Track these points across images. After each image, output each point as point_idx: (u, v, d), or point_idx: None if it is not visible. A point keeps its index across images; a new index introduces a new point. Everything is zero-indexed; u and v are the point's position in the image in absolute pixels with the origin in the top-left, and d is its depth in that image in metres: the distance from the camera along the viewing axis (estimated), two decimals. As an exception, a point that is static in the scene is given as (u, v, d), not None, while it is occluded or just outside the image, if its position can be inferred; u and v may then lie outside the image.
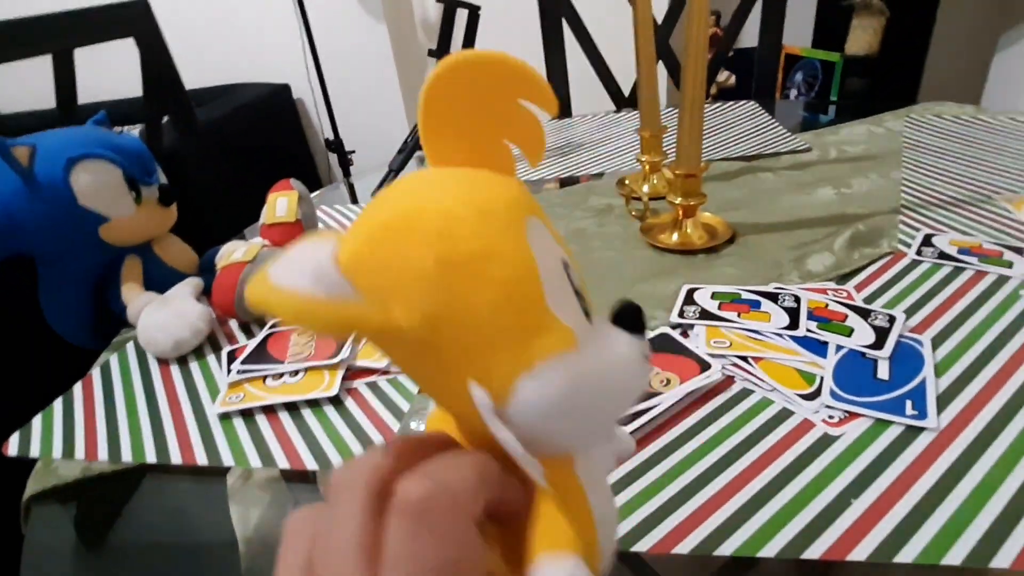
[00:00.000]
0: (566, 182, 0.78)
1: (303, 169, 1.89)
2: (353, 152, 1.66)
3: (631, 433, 0.37)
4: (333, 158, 1.75)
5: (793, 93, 1.56)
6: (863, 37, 1.38)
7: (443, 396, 0.18)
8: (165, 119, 0.85)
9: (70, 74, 0.70)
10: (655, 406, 0.38)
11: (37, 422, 0.45)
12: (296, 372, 0.45)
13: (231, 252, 0.55)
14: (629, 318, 0.19)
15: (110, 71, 1.17)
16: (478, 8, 0.78)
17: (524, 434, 0.16)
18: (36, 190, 0.51)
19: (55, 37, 0.67)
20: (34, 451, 0.42)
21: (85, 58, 0.79)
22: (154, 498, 0.40)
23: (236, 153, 1.53)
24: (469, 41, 0.79)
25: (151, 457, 0.40)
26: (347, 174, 1.69)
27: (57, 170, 0.51)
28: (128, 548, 0.37)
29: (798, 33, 1.52)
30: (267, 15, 1.72)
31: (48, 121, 0.73)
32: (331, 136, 1.65)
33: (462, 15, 0.78)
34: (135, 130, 0.98)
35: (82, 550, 0.37)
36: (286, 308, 0.15)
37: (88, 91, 0.84)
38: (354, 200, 0.83)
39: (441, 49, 0.78)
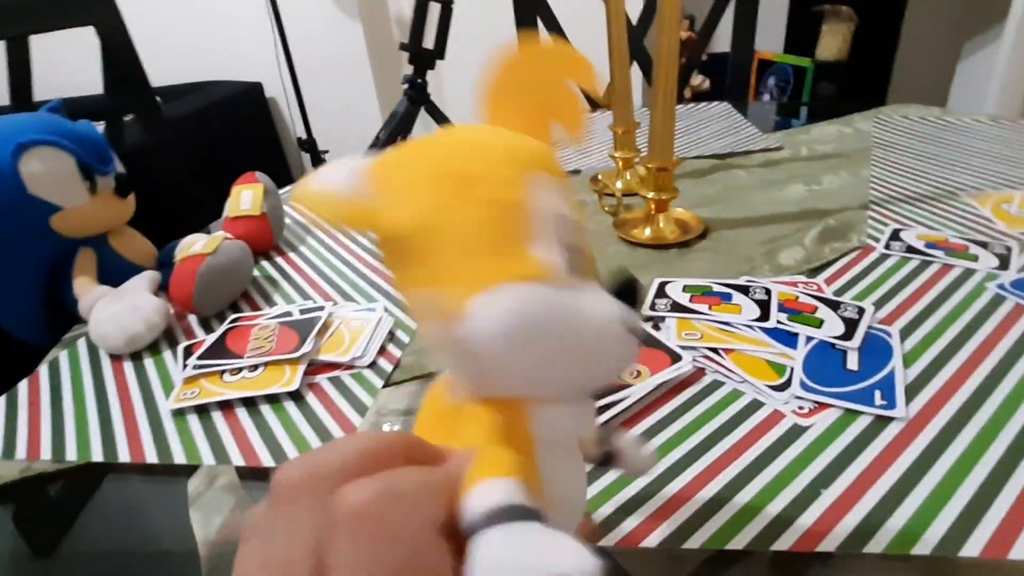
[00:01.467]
0: None
1: (276, 168, 1.86)
2: (327, 152, 1.64)
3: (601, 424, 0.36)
4: (307, 157, 1.72)
5: (766, 97, 1.59)
6: (833, 43, 1.40)
7: (424, 317, 0.19)
8: (129, 117, 0.83)
9: (25, 63, 0.68)
10: (625, 398, 0.37)
11: (-23, 421, 0.43)
12: (255, 367, 0.43)
13: (191, 244, 0.53)
14: (622, 288, 0.18)
15: (68, 65, 1.13)
16: (451, 2, 0.77)
17: (478, 361, 0.16)
18: (-19, 177, 0.48)
19: (9, 21, 0.64)
20: (-28, 451, 0.40)
21: (41, 50, 0.76)
22: (103, 500, 0.38)
23: (206, 151, 1.50)
24: (442, 36, 0.78)
25: (97, 455, 0.38)
26: (320, 173, 1.67)
27: (5, 156, 0.48)
28: (75, 554, 0.35)
29: (770, 39, 1.54)
30: (239, 12, 1.69)
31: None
32: (304, 135, 1.63)
33: (434, 10, 0.77)
34: (98, 127, 0.95)
35: (25, 556, 0.35)
36: (313, 197, 0.18)
37: (45, 87, 0.81)
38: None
39: (413, 43, 0.77)
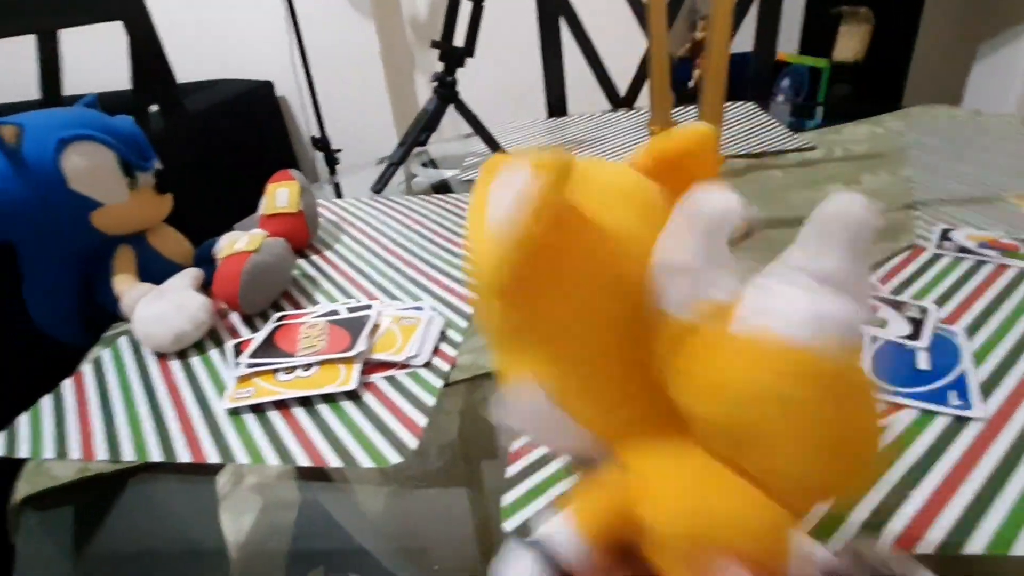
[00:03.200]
0: None
1: (286, 167, 1.85)
2: (340, 151, 1.63)
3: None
4: (318, 156, 1.71)
5: (779, 99, 1.59)
6: (851, 44, 1.40)
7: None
8: (153, 108, 0.82)
9: (54, 57, 0.67)
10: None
11: (23, 421, 0.42)
12: (309, 366, 0.43)
13: (233, 242, 0.52)
14: None
15: (93, 62, 1.12)
16: (482, 0, 0.76)
17: None
18: (23, 172, 0.47)
19: (40, 15, 0.63)
20: (22, 451, 0.39)
21: (68, 47, 0.75)
22: (154, 499, 0.37)
23: (215, 149, 1.49)
24: (472, 34, 0.77)
25: (156, 455, 0.37)
26: (333, 172, 1.66)
27: (47, 151, 0.48)
28: (127, 554, 0.34)
29: (786, 40, 1.54)
30: (250, 11, 1.68)
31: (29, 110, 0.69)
32: (317, 134, 1.62)
33: (465, 8, 0.76)
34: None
35: (78, 556, 0.34)
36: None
37: (70, 83, 0.80)
38: (339, 197, 0.81)
39: (444, 40, 0.76)
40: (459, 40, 0.78)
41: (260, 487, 0.37)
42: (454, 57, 0.77)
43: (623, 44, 1.26)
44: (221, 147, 1.51)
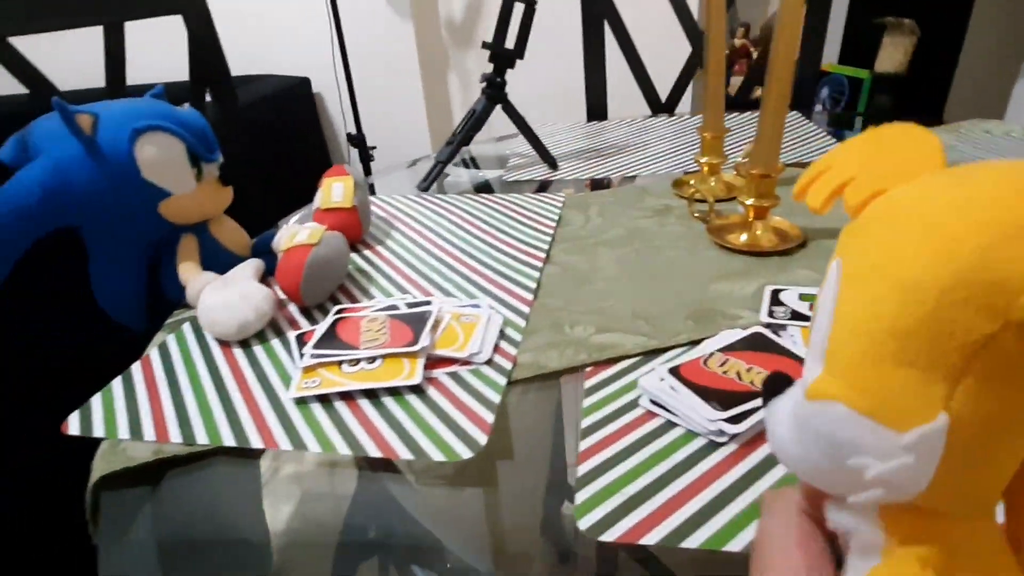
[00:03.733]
0: (597, 184, 0.77)
1: (320, 164, 1.87)
2: (375, 148, 1.65)
3: (740, 435, 0.35)
4: (351, 154, 1.73)
5: (817, 108, 1.57)
6: (894, 55, 1.38)
7: None
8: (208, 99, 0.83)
9: (120, 48, 0.68)
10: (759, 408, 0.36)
11: (97, 402, 0.43)
12: (373, 359, 0.43)
13: (293, 234, 0.53)
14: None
15: (147, 54, 1.14)
16: (535, 2, 0.76)
17: None
18: (98, 160, 0.49)
19: (108, 8, 0.65)
20: (98, 431, 0.40)
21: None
22: (224, 482, 0.38)
23: (257, 142, 1.51)
24: (523, 36, 0.77)
25: (228, 440, 0.38)
26: (367, 169, 1.67)
27: (121, 141, 0.49)
28: (202, 536, 0.35)
29: (826, 49, 1.52)
30: (292, 7, 1.71)
31: (95, 97, 0.71)
32: (353, 131, 1.64)
33: (518, 9, 0.77)
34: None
35: (156, 533, 0.35)
36: None
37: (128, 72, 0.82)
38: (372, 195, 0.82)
39: (496, 42, 0.77)
40: (509, 42, 0.78)
41: (297, 477, 0.38)
42: (504, 58, 0.77)
43: (664, 49, 1.26)
44: (262, 140, 1.54)
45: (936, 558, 0.15)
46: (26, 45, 0.65)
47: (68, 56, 1.08)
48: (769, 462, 0.34)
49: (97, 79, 0.69)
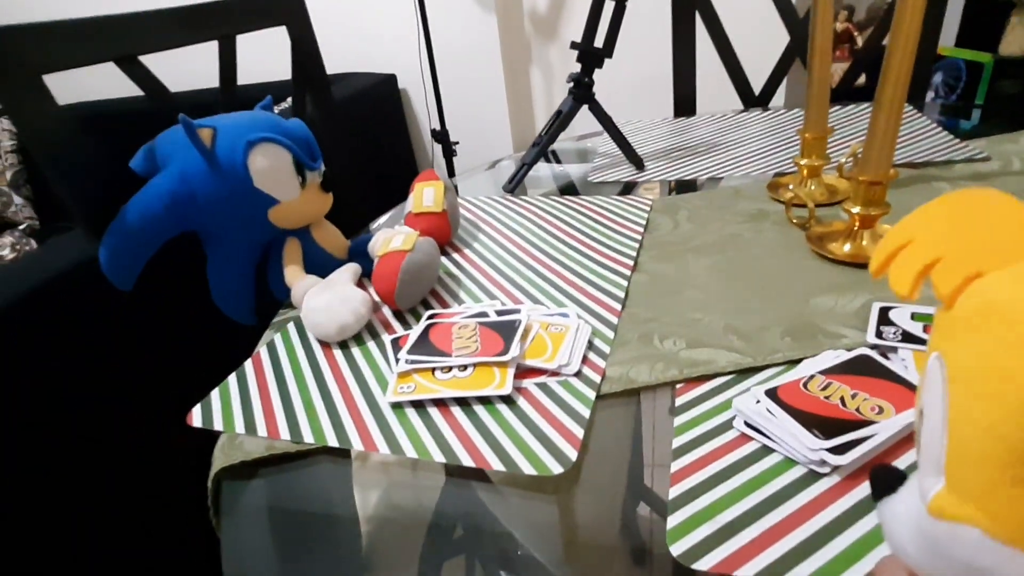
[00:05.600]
0: (684, 187, 0.75)
1: (405, 159, 1.93)
2: (457, 143, 1.68)
3: (844, 467, 0.34)
4: (435, 151, 1.77)
5: (930, 95, 1.44)
6: (1020, 37, 1.25)
7: None
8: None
9: (232, 57, 0.73)
10: (872, 436, 0.35)
11: (216, 396, 0.47)
12: (466, 367, 0.45)
13: (388, 239, 0.55)
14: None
15: (251, 58, 1.22)
16: (626, 0, 0.75)
17: None
18: (217, 170, 0.53)
19: (223, 23, 0.70)
20: (217, 424, 0.44)
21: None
22: (331, 477, 0.40)
23: (345, 141, 1.57)
24: (612, 35, 0.76)
25: (332, 441, 0.41)
26: (450, 165, 1.71)
27: (237, 152, 0.53)
28: (315, 524, 0.38)
29: (943, 30, 1.39)
30: (379, 4, 1.76)
31: (207, 98, 0.76)
32: (437, 127, 1.67)
33: (608, 6, 0.76)
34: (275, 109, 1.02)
35: (274, 523, 0.38)
36: None
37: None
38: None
39: (585, 41, 0.76)
40: (598, 40, 0.77)
41: (380, 467, 0.40)
42: (593, 58, 0.76)
43: (758, 37, 1.20)
44: (351, 138, 1.60)
45: None
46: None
47: (179, 61, 1.17)
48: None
49: (205, 80, 0.74)
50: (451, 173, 1.72)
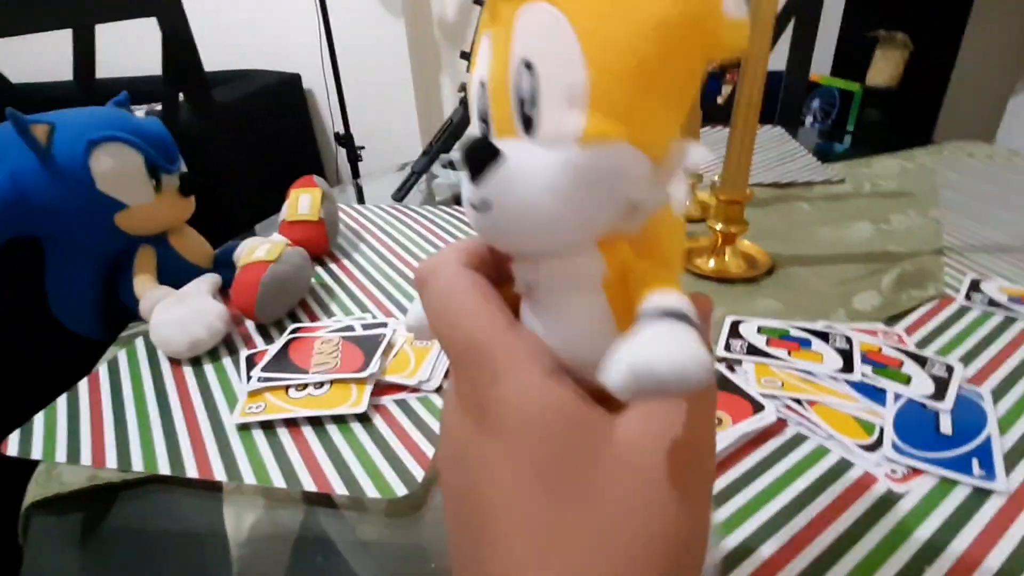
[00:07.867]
0: None
1: (310, 162, 1.86)
2: (363, 148, 1.64)
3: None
4: (341, 153, 1.72)
5: (808, 119, 1.56)
6: (885, 69, 1.37)
7: None
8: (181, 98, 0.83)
9: (90, 49, 0.67)
10: (708, 448, 0.36)
11: (39, 421, 0.42)
12: (321, 384, 0.43)
13: (252, 249, 0.52)
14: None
15: (126, 47, 1.13)
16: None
17: None
18: (53, 170, 0.48)
19: (78, 11, 0.64)
20: (36, 452, 0.39)
21: (101, 32, 0.76)
22: (161, 508, 0.37)
23: (243, 140, 1.50)
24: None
25: (164, 468, 0.37)
26: (355, 170, 1.66)
27: (77, 151, 0.48)
28: (129, 560, 0.34)
29: (818, 60, 1.51)
30: (285, 2, 1.69)
31: (63, 93, 0.70)
32: (341, 130, 1.62)
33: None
34: (140, 111, 0.95)
35: (84, 562, 0.34)
36: None
37: (103, 66, 0.81)
38: (361, 200, 0.81)
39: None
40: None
41: (261, 488, 0.37)
42: (483, 69, 0.76)
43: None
44: (248, 137, 1.52)
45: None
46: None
47: (31, 48, 1.07)
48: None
49: (64, 73, 0.68)
50: (356, 176, 1.67)
